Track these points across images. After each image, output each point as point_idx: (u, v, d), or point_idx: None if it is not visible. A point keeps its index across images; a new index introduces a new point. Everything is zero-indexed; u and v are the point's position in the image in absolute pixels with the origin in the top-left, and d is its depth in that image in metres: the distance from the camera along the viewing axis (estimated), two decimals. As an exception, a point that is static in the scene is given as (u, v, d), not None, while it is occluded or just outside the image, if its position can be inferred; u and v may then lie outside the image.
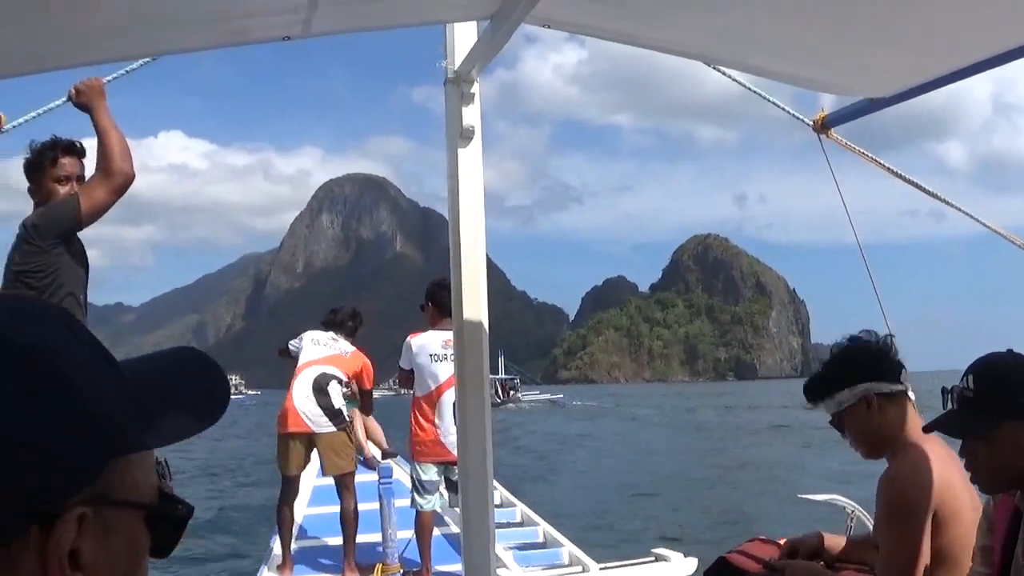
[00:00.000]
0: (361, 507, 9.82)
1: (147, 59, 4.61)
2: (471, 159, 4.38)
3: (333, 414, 9.51)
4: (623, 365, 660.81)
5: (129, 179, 5.14)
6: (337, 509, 9.73)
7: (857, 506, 6.52)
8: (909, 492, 3.48)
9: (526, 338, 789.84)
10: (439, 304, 9.08)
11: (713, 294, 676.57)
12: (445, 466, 9.06)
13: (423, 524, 9.10)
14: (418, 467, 9.13)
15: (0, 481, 0.88)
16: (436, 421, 9.03)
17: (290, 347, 10.16)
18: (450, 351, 8.75)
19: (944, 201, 5.44)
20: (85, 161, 5.33)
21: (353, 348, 10.00)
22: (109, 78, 4.96)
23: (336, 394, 9.61)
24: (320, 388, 9.54)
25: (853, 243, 5.58)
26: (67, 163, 5.26)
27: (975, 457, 3.10)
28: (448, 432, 8.83)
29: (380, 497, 9.42)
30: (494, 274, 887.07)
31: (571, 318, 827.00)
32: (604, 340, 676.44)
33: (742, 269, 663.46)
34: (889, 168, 5.36)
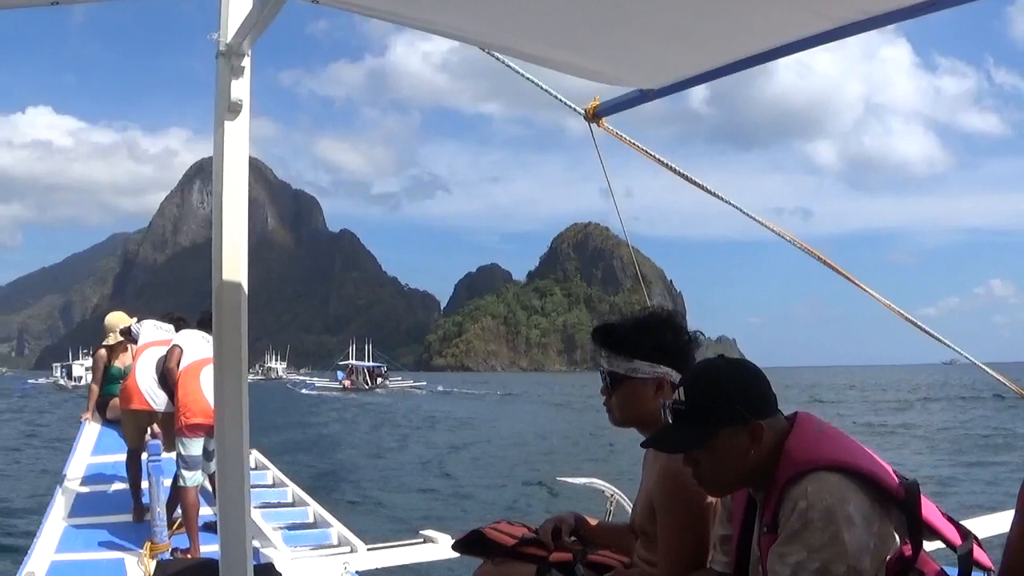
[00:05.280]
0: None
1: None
2: (238, 133, 4.35)
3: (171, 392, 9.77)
4: (500, 353, 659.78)
5: None
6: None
7: (617, 490, 6.63)
8: (693, 484, 3.37)
9: (397, 324, 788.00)
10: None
11: (592, 283, 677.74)
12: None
13: (188, 501, 9.26)
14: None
15: None
16: None
17: (131, 329, 10.61)
18: None
19: (714, 194, 5.51)
20: None
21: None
22: None
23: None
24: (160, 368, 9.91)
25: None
26: None
27: (699, 466, 3.14)
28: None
29: (148, 475, 9.42)
30: (365, 259, 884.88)
31: (443, 305, 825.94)
32: (480, 327, 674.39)
33: (622, 259, 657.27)
34: (658, 159, 5.44)
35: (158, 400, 9.85)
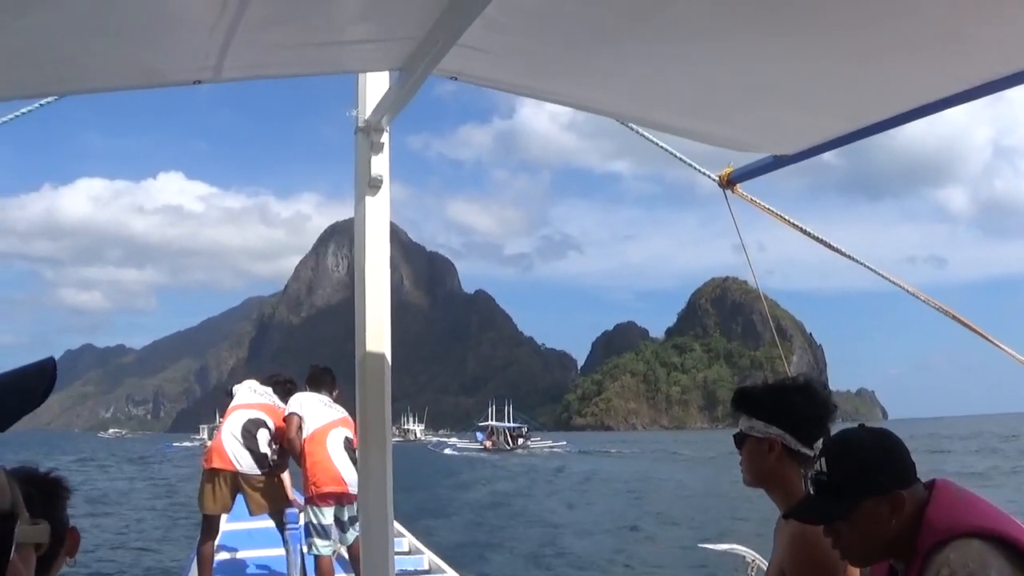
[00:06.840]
0: (267, 552, 10.41)
1: (52, 97, 4.50)
2: (378, 207, 4.45)
3: (259, 457, 9.76)
4: (640, 411, 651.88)
5: None
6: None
7: (757, 555, 6.55)
8: (827, 550, 3.33)
9: (534, 384, 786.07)
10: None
11: (731, 338, 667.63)
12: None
13: (323, 570, 9.27)
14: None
15: None
16: None
17: (232, 391, 10.60)
18: None
19: (850, 257, 5.43)
20: None
21: (284, 406, 10.09)
22: (11, 115, 4.82)
23: (264, 440, 9.84)
24: (249, 432, 9.84)
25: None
26: None
27: (840, 537, 3.12)
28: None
29: (286, 543, 9.50)
30: (501, 319, 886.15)
31: (580, 364, 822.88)
32: (620, 386, 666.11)
33: (762, 312, 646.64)
34: (794, 224, 5.38)
35: (242, 461, 9.66)
